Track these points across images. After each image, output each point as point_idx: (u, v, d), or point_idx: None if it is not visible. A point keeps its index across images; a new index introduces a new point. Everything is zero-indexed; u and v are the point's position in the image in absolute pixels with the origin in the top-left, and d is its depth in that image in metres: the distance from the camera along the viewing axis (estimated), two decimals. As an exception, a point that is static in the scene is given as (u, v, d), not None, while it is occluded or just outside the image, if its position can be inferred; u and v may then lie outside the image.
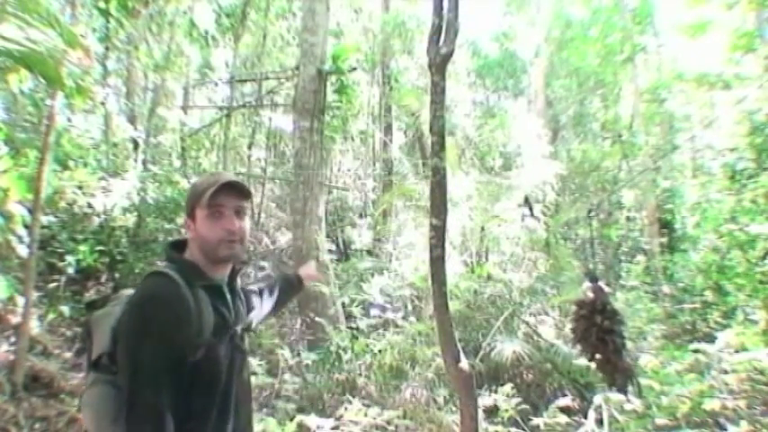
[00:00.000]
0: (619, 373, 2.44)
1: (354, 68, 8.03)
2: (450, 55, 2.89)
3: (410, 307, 6.25)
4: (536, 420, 4.08)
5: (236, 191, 1.46)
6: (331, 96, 7.99)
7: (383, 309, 5.91)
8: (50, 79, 3.53)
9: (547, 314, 6.11)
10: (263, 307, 1.93)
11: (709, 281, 7.66)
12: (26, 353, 4.23)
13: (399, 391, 4.63)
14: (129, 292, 1.49)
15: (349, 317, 6.19)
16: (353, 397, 4.52)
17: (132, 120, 9.28)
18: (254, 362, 4.69)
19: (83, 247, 5.86)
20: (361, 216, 12.11)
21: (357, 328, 5.63)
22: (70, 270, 5.75)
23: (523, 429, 4.11)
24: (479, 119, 12.94)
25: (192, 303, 1.36)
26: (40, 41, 3.07)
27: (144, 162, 8.47)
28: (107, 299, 1.58)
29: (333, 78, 7.67)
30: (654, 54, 14.38)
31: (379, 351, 5.00)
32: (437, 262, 2.85)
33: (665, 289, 9.37)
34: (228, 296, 1.52)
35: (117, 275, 6.18)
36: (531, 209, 6.75)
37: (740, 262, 6.81)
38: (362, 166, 13.12)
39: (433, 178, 2.88)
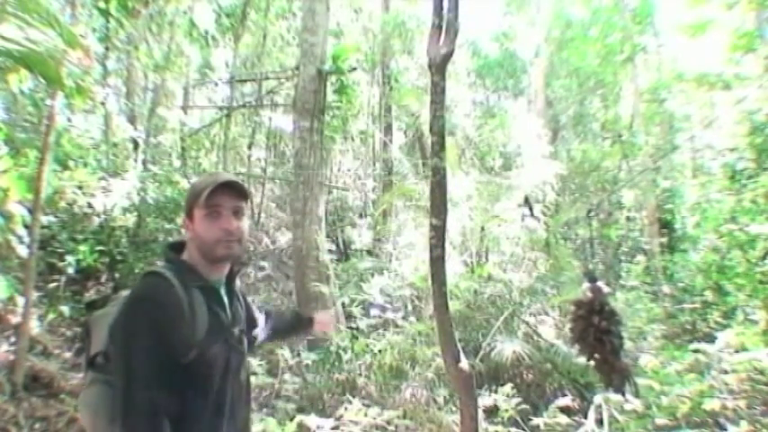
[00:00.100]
0: (616, 373, 2.44)
1: (354, 68, 8.04)
2: (450, 55, 2.89)
3: (410, 307, 6.25)
4: (536, 420, 4.08)
5: (234, 191, 1.46)
6: (331, 96, 8.00)
7: (383, 309, 5.91)
8: (50, 79, 3.53)
9: (547, 314, 6.11)
10: (265, 329, 1.89)
11: (709, 281, 7.66)
12: (26, 353, 4.23)
13: (399, 391, 4.63)
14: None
15: (349, 317, 6.19)
16: (353, 397, 4.52)
17: (132, 120, 9.28)
18: (254, 362, 4.70)
19: (83, 247, 5.86)
20: (361, 216, 12.12)
21: (357, 328, 5.63)
22: (70, 270, 5.75)
23: (523, 429, 4.11)
24: (479, 119, 12.95)
25: (185, 304, 1.36)
26: (40, 41, 3.07)
27: (144, 162, 8.47)
28: (107, 299, 1.59)
29: (333, 78, 7.68)
30: (654, 54, 14.37)
31: (379, 351, 5.00)
32: (437, 262, 2.85)
33: (665, 289, 9.38)
34: (225, 297, 1.51)
35: (117, 275, 6.18)
36: (531, 209, 6.75)
37: (740, 262, 6.80)
38: (362, 166, 13.12)
39: (433, 178, 2.88)
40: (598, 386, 4.30)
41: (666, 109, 13.62)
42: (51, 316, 5.26)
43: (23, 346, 4.14)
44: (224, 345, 1.44)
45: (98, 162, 7.45)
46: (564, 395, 4.59)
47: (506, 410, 4.09)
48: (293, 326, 2.16)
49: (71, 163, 6.73)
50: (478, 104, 14.94)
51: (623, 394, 2.75)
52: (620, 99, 14.70)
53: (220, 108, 11.03)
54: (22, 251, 4.38)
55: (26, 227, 4.37)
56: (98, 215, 6.54)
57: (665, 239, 11.31)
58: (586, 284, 2.54)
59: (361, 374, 4.94)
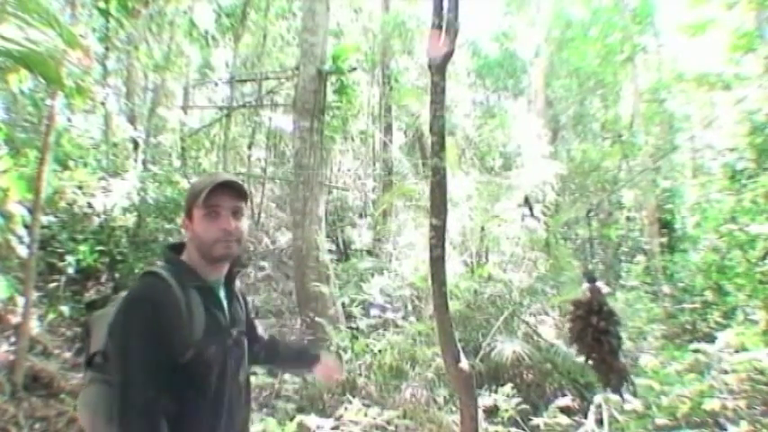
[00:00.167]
0: (613, 373, 2.44)
1: (354, 68, 8.05)
2: (450, 55, 2.89)
3: (410, 307, 6.25)
4: (536, 420, 4.08)
5: (233, 191, 1.45)
6: (331, 96, 8.00)
7: (383, 309, 5.91)
8: (50, 79, 3.53)
9: (547, 314, 6.11)
10: (265, 352, 1.85)
11: (709, 281, 7.66)
12: (26, 353, 4.23)
13: (399, 391, 4.63)
14: (128, 292, 1.49)
15: (349, 317, 6.20)
16: (353, 397, 4.52)
17: (132, 120, 9.29)
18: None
19: (83, 247, 5.86)
20: (361, 216, 12.12)
21: (357, 328, 5.63)
22: (70, 270, 5.75)
23: (523, 429, 4.11)
24: (479, 119, 12.94)
25: (182, 304, 1.35)
26: (40, 41, 3.07)
27: (144, 162, 8.47)
28: (107, 299, 1.59)
29: (333, 78, 7.69)
30: (654, 54, 14.36)
31: (379, 351, 5.00)
32: (437, 262, 2.85)
33: (665, 289, 9.38)
34: (224, 298, 1.51)
35: (117, 275, 6.18)
36: (531, 209, 6.75)
37: (740, 262, 6.81)
38: (362, 166, 13.12)
39: (433, 178, 2.88)
40: (598, 386, 4.29)
41: (666, 109, 13.63)
42: (51, 316, 5.26)
43: (23, 346, 4.14)
44: (222, 345, 1.44)
45: (98, 162, 7.45)
46: (564, 395, 4.59)
47: (506, 410, 4.09)
48: (296, 358, 2.07)
49: (71, 163, 6.73)
50: (478, 104, 14.94)
51: (621, 394, 2.75)
52: (620, 99, 14.70)
53: (220, 108, 11.04)
54: (22, 251, 4.38)
55: (26, 227, 4.37)
56: (98, 215, 6.54)
57: (665, 239, 11.31)
58: (585, 285, 2.55)
59: (361, 374, 4.94)
